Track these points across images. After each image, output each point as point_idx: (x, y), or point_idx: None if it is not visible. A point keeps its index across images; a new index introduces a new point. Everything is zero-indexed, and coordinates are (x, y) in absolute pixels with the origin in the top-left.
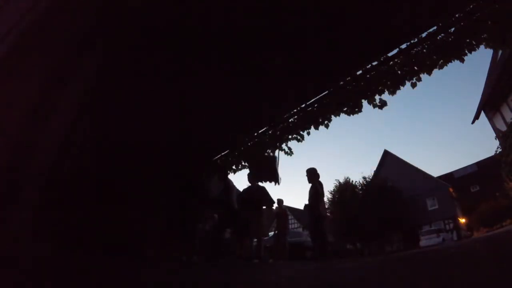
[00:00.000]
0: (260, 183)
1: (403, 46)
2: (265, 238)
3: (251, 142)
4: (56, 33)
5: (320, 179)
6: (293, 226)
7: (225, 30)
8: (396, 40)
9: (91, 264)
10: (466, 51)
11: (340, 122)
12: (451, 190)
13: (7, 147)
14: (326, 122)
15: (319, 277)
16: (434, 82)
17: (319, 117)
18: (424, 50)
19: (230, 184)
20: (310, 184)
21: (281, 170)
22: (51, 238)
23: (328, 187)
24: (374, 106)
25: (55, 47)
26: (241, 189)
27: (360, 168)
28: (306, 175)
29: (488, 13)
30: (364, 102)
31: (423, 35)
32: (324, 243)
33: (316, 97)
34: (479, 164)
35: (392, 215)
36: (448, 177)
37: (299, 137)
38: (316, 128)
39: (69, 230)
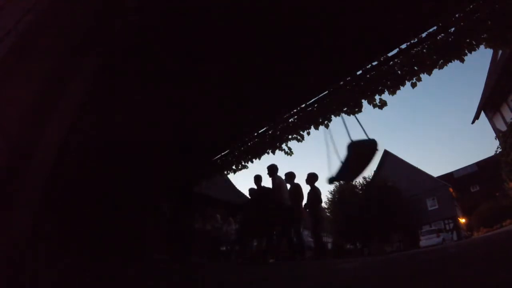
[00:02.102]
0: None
1: (403, 46)
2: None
3: (251, 142)
4: (56, 33)
5: (320, 179)
6: None
7: (225, 30)
8: (396, 40)
9: (91, 264)
10: (466, 51)
11: (340, 122)
12: (451, 190)
13: (7, 147)
14: (326, 122)
15: (319, 277)
16: (434, 82)
17: (319, 117)
18: (424, 50)
19: (279, 181)
20: (304, 186)
21: (282, 170)
22: (51, 238)
23: (328, 187)
24: (374, 106)
25: (55, 47)
26: (240, 189)
27: None
28: (284, 178)
29: (488, 13)
30: (364, 102)
31: (423, 35)
32: (323, 243)
33: (316, 97)
34: (479, 164)
35: (392, 215)
36: (448, 177)
37: (299, 137)
38: (316, 128)
39: (69, 230)
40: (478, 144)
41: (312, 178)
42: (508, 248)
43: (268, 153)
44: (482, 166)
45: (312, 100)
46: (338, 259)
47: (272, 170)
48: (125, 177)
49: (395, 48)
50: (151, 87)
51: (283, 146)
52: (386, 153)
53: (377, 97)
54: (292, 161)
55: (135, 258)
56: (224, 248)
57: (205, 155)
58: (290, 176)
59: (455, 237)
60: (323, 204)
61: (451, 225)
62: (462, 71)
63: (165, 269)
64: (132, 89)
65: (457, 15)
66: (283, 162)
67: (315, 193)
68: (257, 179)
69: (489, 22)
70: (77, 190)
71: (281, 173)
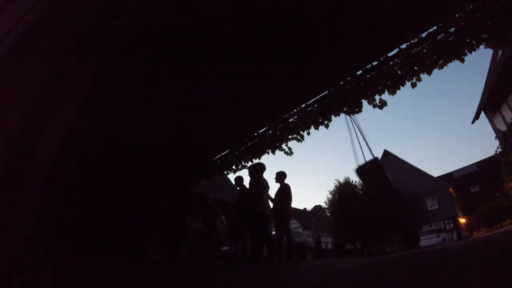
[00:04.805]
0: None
1: (403, 46)
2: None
3: (251, 142)
4: (56, 33)
5: (320, 179)
6: (293, 226)
7: (225, 31)
8: (396, 40)
9: (91, 264)
10: (466, 51)
11: (340, 122)
12: (451, 190)
13: (7, 147)
14: (326, 122)
15: (319, 277)
16: (434, 82)
17: (319, 117)
18: (424, 50)
19: (265, 184)
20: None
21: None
22: (51, 238)
23: (328, 187)
24: (374, 106)
25: (55, 47)
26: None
27: None
28: (275, 177)
29: (488, 13)
30: (364, 102)
31: (423, 35)
32: (290, 243)
33: (316, 97)
34: (479, 164)
35: (392, 215)
36: (448, 177)
37: (299, 137)
38: (316, 128)
39: (69, 230)
40: (478, 144)
41: (280, 177)
42: (508, 248)
43: (268, 153)
44: (482, 166)
45: (312, 100)
46: (338, 259)
47: (281, 176)
48: (125, 177)
49: (395, 48)
50: (151, 87)
51: (283, 146)
52: (386, 153)
53: (377, 97)
54: (292, 161)
55: (134, 257)
56: (226, 248)
57: (205, 155)
58: (281, 175)
59: (455, 237)
60: (323, 204)
61: (451, 225)
62: (462, 71)
63: (164, 269)
64: (132, 89)
65: (457, 15)
66: (283, 162)
67: (284, 191)
68: (238, 181)
69: (489, 22)
70: (77, 190)
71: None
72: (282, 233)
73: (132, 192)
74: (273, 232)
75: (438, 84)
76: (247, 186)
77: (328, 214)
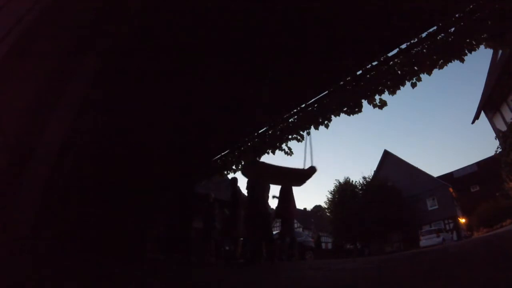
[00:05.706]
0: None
1: (403, 46)
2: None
3: (251, 142)
4: (56, 33)
5: (320, 179)
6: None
7: (225, 31)
8: (396, 40)
9: (91, 264)
10: (466, 51)
11: (340, 122)
12: (451, 190)
13: (7, 147)
14: (326, 122)
15: (319, 277)
16: (434, 82)
17: (319, 117)
18: (424, 50)
19: (239, 189)
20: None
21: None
22: (51, 238)
23: (328, 187)
24: (374, 106)
25: (55, 47)
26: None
27: (360, 168)
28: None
29: (488, 13)
30: (364, 102)
31: (423, 35)
32: (292, 244)
33: (316, 97)
34: (479, 164)
35: (392, 215)
36: (448, 177)
37: (299, 137)
38: (316, 128)
39: (69, 230)
40: (478, 144)
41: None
42: (508, 248)
43: (268, 153)
44: (482, 166)
45: (312, 100)
46: (338, 259)
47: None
48: (125, 177)
49: (395, 48)
50: (151, 87)
51: (283, 146)
52: (386, 153)
53: (377, 97)
54: (292, 161)
55: (135, 257)
56: (226, 248)
57: (205, 155)
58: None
59: (455, 237)
60: (323, 204)
61: (451, 225)
62: (462, 71)
63: (164, 269)
64: (132, 89)
65: (457, 15)
66: (283, 162)
67: (287, 191)
68: (233, 182)
69: (489, 22)
70: (77, 190)
71: None
72: (285, 233)
73: (132, 192)
74: (275, 232)
75: (438, 84)
76: (241, 187)
77: (328, 214)
